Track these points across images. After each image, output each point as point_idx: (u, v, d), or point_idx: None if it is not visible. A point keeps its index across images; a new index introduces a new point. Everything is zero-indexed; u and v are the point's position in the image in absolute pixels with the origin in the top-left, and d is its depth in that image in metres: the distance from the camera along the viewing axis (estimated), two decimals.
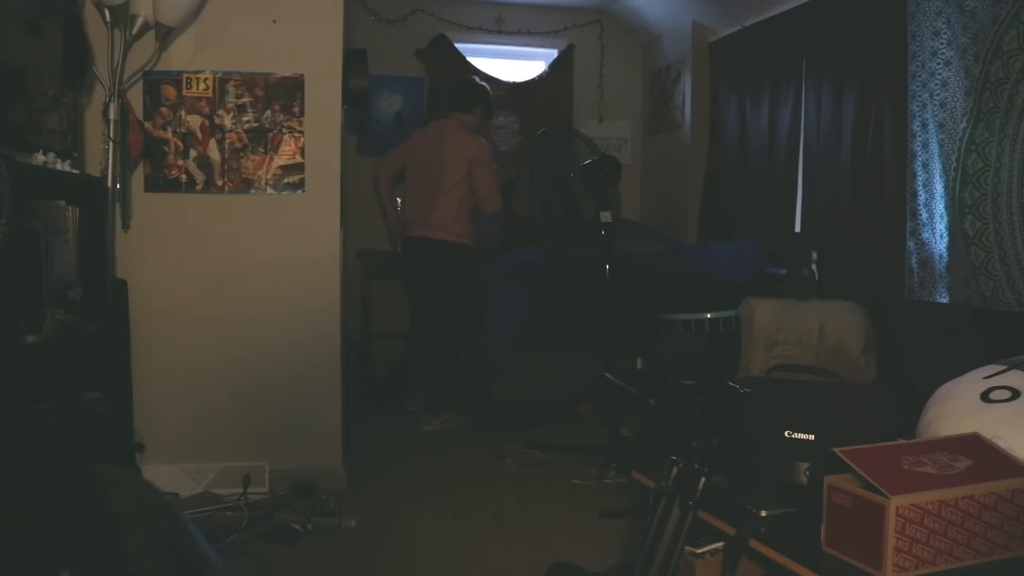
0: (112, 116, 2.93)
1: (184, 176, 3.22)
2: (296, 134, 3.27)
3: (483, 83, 4.58)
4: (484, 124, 4.59)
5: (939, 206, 3.43)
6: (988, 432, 1.82)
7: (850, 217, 4.01)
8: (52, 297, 2.46)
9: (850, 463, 1.64)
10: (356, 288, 5.24)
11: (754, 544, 1.78)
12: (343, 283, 3.44)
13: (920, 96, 3.49)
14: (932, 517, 1.56)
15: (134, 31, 2.92)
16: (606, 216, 3.82)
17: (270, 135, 3.26)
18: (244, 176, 3.26)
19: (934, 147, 3.43)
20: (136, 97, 3.12)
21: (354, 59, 3.58)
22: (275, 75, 3.25)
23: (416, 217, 4.38)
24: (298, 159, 3.28)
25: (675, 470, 1.60)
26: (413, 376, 4.65)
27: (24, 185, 2.04)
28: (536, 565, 2.37)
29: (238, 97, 3.23)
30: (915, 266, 3.57)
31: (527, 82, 6.06)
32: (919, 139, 3.51)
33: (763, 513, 1.86)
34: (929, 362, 3.00)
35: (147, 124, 3.16)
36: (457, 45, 5.86)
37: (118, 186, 3.00)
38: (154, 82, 3.16)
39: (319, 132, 3.29)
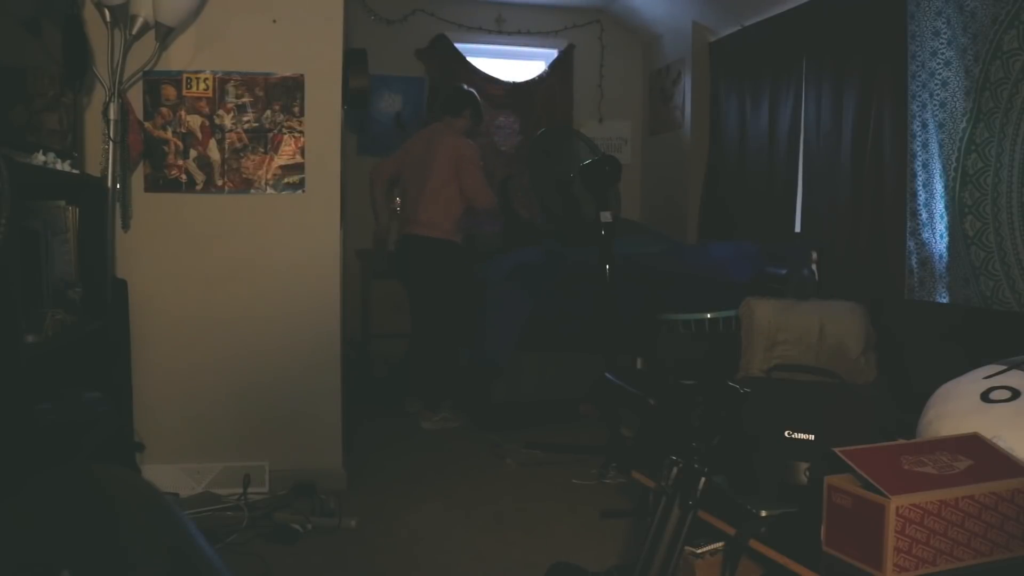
0: (112, 116, 2.93)
1: (184, 176, 3.22)
2: (296, 134, 3.27)
3: (471, 89, 4.70)
4: (475, 128, 4.72)
5: (939, 206, 3.44)
6: (988, 432, 1.82)
7: (850, 217, 4.01)
8: (52, 297, 2.46)
9: (850, 463, 1.64)
10: (356, 288, 5.25)
11: (754, 544, 1.78)
12: (343, 283, 3.44)
13: (920, 96, 3.49)
14: (932, 517, 1.56)
15: (134, 31, 2.92)
16: (606, 216, 3.82)
17: (270, 135, 3.26)
18: (244, 176, 3.26)
19: (934, 147, 3.44)
20: (136, 97, 3.12)
21: (354, 59, 3.59)
22: (275, 75, 3.25)
23: (408, 216, 4.51)
24: (298, 159, 3.28)
25: (675, 470, 1.60)
26: (413, 375, 4.67)
27: (24, 185, 2.04)
28: (536, 565, 2.37)
29: (238, 97, 3.23)
30: (915, 266, 3.57)
31: (527, 82, 6.06)
32: (919, 139, 3.51)
33: (763, 513, 1.86)
34: (929, 362, 3.00)
35: (147, 124, 3.16)
36: (457, 45, 5.87)
37: (118, 186, 3.00)
38: (154, 82, 3.16)
39: (319, 132, 3.29)
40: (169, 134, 3.20)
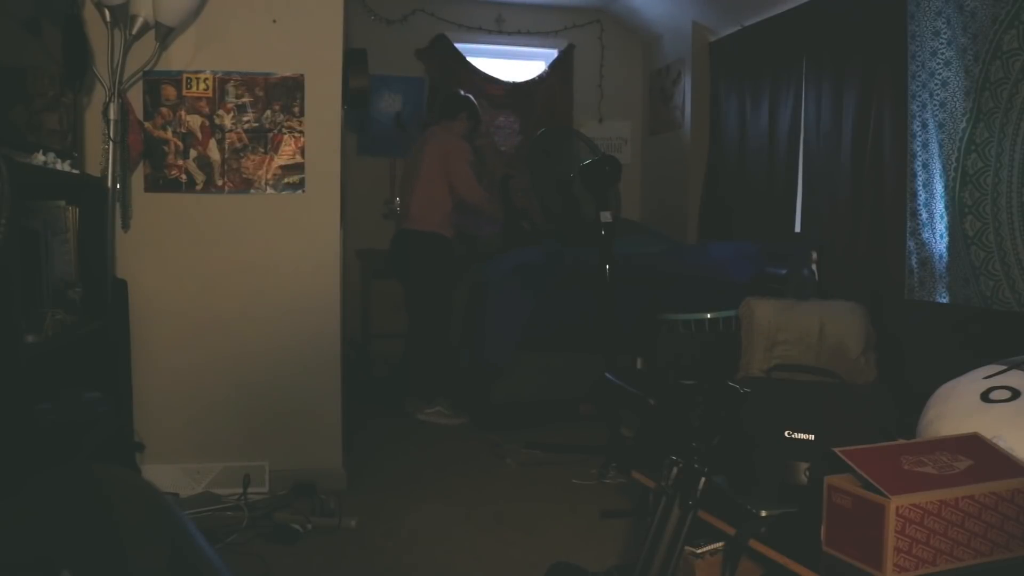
0: (112, 116, 2.93)
1: (184, 176, 3.22)
2: (296, 134, 3.27)
3: (467, 94, 4.82)
4: (474, 130, 4.80)
5: (939, 206, 3.43)
6: (988, 432, 1.82)
7: (850, 217, 4.01)
8: (52, 297, 2.46)
9: (850, 463, 1.64)
10: (356, 288, 5.25)
11: (754, 544, 1.78)
12: (343, 283, 3.44)
13: (920, 96, 3.49)
14: (932, 517, 1.56)
15: (134, 31, 2.92)
16: (606, 216, 3.82)
17: (270, 135, 3.26)
18: (244, 176, 3.26)
19: (934, 147, 3.43)
20: (136, 97, 3.12)
21: (354, 59, 3.59)
22: (275, 75, 3.25)
23: (402, 213, 4.68)
24: (298, 159, 3.28)
25: (675, 470, 1.60)
26: (411, 372, 4.70)
27: (24, 185, 2.04)
28: (536, 565, 2.37)
29: (238, 97, 3.23)
30: (915, 266, 3.57)
31: (527, 82, 6.06)
32: (919, 139, 3.51)
33: (763, 513, 1.86)
34: (929, 362, 3.00)
35: (147, 124, 3.16)
36: (457, 45, 5.86)
37: (118, 186, 3.00)
38: (154, 82, 3.16)
39: (319, 132, 3.29)
40: (169, 134, 3.20)
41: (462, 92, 4.85)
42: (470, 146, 4.69)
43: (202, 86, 3.20)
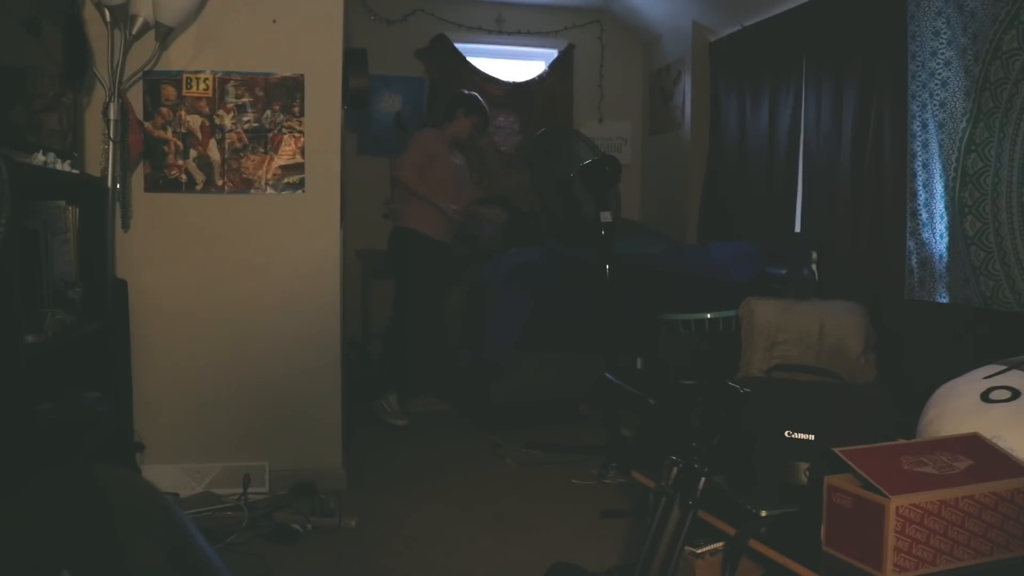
0: (112, 116, 2.93)
1: (184, 176, 3.22)
2: (296, 134, 3.27)
3: (470, 93, 4.76)
4: (479, 128, 4.72)
5: (939, 206, 3.43)
6: (988, 432, 1.82)
7: (850, 217, 4.01)
8: (52, 297, 2.46)
9: (850, 463, 1.64)
10: (356, 288, 5.25)
11: (754, 544, 1.78)
12: (343, 283, 3.44)
13: (920, 96, 3.49)
14: (932, 517, 1.56)
15: (134, 31, 2.92)
16: (606, 216, 3.82)
17: (270, 135, 3.26)
18: (244, 176, 3.26)
19: (934, 147, 3.43)
20: (136, 97, 3.12)
21: (354, 59, 3.59)
22: (275, 75, 3.25)
23: None
24: (298, 159, 3.28)
25: (675, 470, 1.60)
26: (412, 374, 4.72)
27: (24, 185, 2.04)
28: (536, 565, 2.37)
29: (238, 97, 3.23)
30: (915, 266, 3.57)
31: (527, 82, 6.06)
32: (919, 139, 3.51)
33: (763, 513, 1.86)
34: (929, 362, 3.01)
35: (147, 124, 3.16)
36: (457, 45, 5.87)
37: (118, 186, 3.00)
38: (154, 82, 3.16)
39: (319, 132, 3.29)
40: (169, 134, 3.20)
41: (465, 91, 4.80)
42: (445, 140, 4.58)
43: (202, 86, 3.20)
